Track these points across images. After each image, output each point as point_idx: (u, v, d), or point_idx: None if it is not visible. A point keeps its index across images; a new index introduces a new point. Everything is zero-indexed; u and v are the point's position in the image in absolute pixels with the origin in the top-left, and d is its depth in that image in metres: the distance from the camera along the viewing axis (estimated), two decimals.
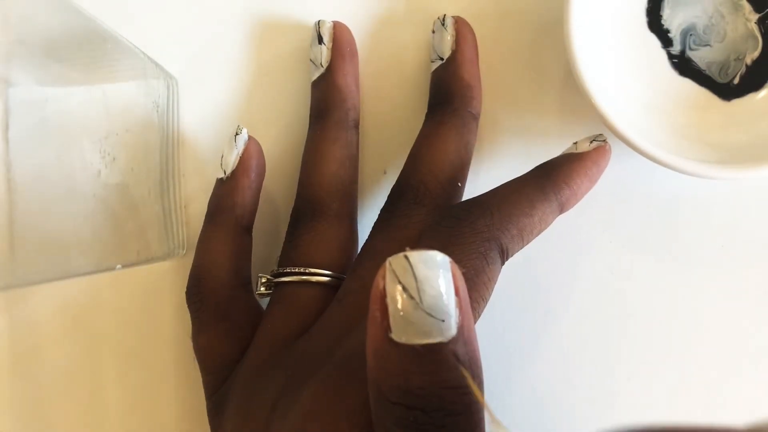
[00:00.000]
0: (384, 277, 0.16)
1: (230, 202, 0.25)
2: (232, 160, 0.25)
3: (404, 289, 0.15)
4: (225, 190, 0.25)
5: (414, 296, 0.15)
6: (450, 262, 0.16)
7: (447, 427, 0.16)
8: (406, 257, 0.16)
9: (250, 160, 0.25)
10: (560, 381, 0.28)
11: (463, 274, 0.20)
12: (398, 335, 0.16)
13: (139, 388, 0.29)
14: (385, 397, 0.16)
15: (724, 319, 0.27)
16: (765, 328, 0.27)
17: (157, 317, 0.29)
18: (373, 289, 0.16)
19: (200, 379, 0.27)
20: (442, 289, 0.16)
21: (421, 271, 0.15)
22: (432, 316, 0.15)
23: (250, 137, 0.25)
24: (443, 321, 0.16)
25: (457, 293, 0.16)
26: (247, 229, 0.26)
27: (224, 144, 0.26)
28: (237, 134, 0.25)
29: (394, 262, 0.16)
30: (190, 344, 0.28)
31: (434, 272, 0.16)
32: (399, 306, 0.15)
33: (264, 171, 0.26)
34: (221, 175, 0.25)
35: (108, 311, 0.29)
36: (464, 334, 0.16)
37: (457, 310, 0.16)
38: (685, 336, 0.27)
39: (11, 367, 0.29)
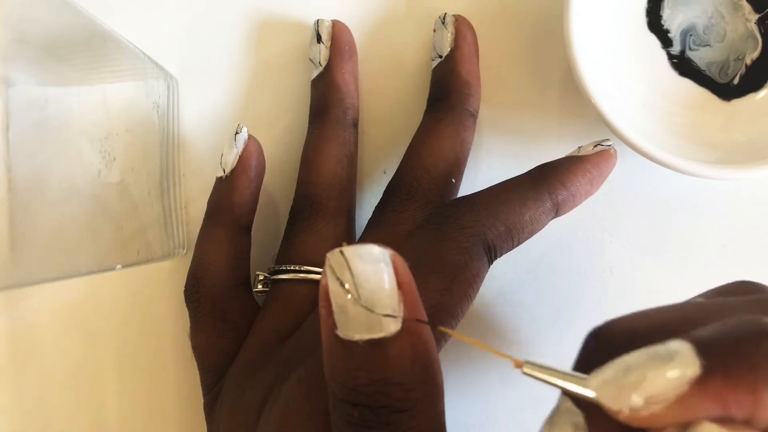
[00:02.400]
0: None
1: (229, 202, 0.25)
2: (231, 159, 0.25)
3: (342, 284, 0.15)
4: (224, 190, 0.25)
5: (351, 292, 0.15)
6: (391, 254, 0.15)
7: (393, 424, 0.15)
8: (341, 252, 0.15)
9: (250, 159, 0.25)
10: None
11: (446, 270, 0.20)
12: (342, 332, 0.15)
13: (139, 388, 0.29)
14: (335, 395, 0.16)
15: None
16: None
17: (157, 317, 0.29)
18: (320, 286, 0.16)
19: (199, 378, 0.27)
20: (381, 284, 0.15)
21: (357, 265, 0.15)
22: (371, 311, 0.15)
23: (250, 136, 0.25)
24: (385, 316, 0.15)
25: (400, 287, 0.15)
26: (246, 229, 0.26)
27: (224, 143, 0.26)
28: (237, 133, 0.25)
29: (332, 258, 0.15)
30: (189, 344, 0.28)
31: (371, 266, 0.15)
32: (339, 302, 0.15)
33: (264, 170, 0.26)
34: (221, 174, 0.25)
35: (108, 311, 0.29)
36: (411, 329, 0.15)
37: (401, 305, 0.15)
38: None
39: (11, 367, 0.29)
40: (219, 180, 0.26)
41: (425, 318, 0.16)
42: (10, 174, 0.22)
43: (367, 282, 0.15)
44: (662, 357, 0.12)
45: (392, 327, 0.15)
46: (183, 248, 0.29)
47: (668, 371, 0.12)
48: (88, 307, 0.29)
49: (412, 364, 0.16)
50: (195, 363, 0.25)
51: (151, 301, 0.29)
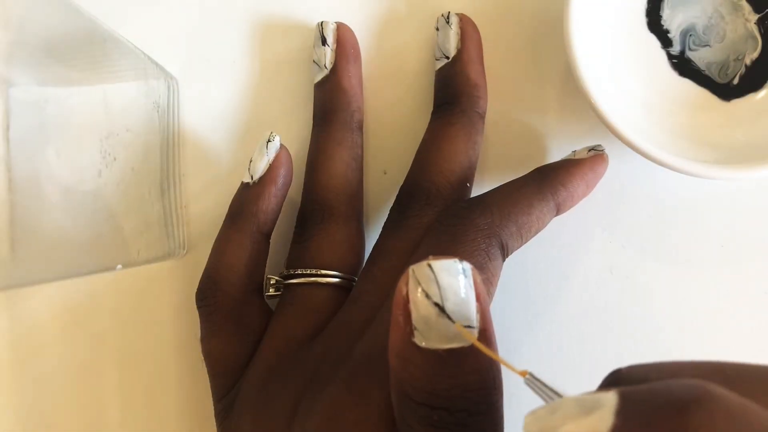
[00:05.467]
0: (407, 284, 0.16)
1: (254, 209, 0.25)
2: (261, 167, 0.25)
3: (428, 296, 0.16)
4: (250, 196, 0.25)
5: (438, 303, 0.16)
6: (471, 269, 0.16)
7: (470, 425, 0.16)
8: (429, 265, 0.16)
9: (280, 168, 0.25)
10: (559, 380, 0.28)
11: None
12: (422, 340, 0.16)
13: (139, 388, 0.29)
14: (410, 398, 0.16)
15: (724, 318, 0.27)
16: (764, 328, 0.27)
17: (157, 317, 0.29)
18: (396, 295, 0.16)
19: (200, 379, 0.27)
20: (464, 296, 0.16)
21: (444, 279, 0.16)
22: (455, 322, 0.16)
23: (281, 145, 0.25)
24: (465, 327, 0.16)
25: (478, 299, 0.16)
26: (267, 236, 0.26)
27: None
28: (269, 141, 0.25)
29: (418, 270, 0.16)
30: (190, 344, 0.28)
31: (457, 280, 0.16)
32: (423, 313, 0.16)
33: (291, 180, 0.26)
34: (247, 179, 0.25)
35: (108, 311, 0.29)
36: (485, 338, 0.16)
37: (478, 315, 0.16)
38: (684, 335, 0.27)
39: (11, 367, 0.29)
40: (245, 185, 0.25)
41: (493, 327, 0.17)
42: (10, 174, 0.22)
43: (454, 295, 0.16)
44: (587, 407, 0.13)
45: (471, 337, 0.16)
46: (183, 248, 0.29)
47: (583, 423, 0.12)
48: (88, 307, 0.29)
49: (488, 371, 0.16)
50: (196, 364, 0.25)
51: (151, 301, 0.29)
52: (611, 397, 0.13)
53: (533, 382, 0.15)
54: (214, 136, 0.29)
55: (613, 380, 0.15)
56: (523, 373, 0.15)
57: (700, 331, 0.27)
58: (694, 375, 0.14)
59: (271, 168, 0.25)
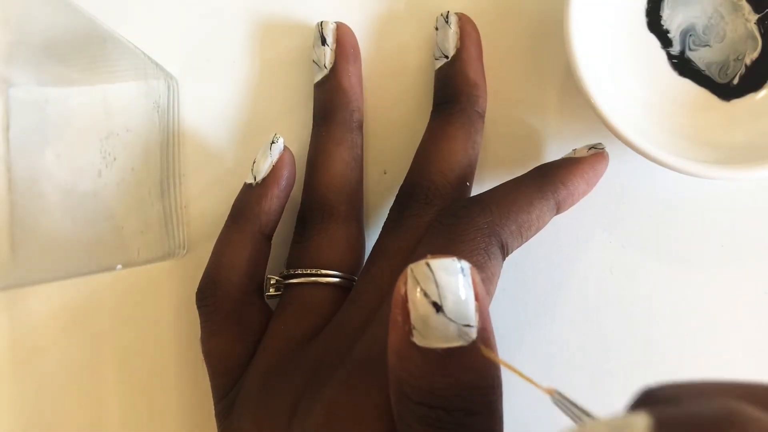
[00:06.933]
0: (405, 283, 0.16)
1: (257, 210, 0.25)
2: (264, 168, 0.25)
3: (426, 295, 0.16)
4: (253, 197, 0.25)
5: (436, 302, 0.16)
6: (470, 268, 0.16)
7: (468, 425, 0.16)
8: (427, 264, 0.16)
9: (283, 170, 0.25)
10: (559, 381, 0.28)
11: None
12: (420, 339, 0.16)
13: (139, 389, 0.29)
14: (408, 397, 0.16)
15: (724, 318, 0.27)
16: (765, 328, 0.27)
17: (157, 317, 0.29)
18: (395, 294, 0.16)
19: (200, 379, 0.27)
20: (463, 295, 0.16)
21: (442, 277, 0.16)
22: (453, 321, 0.16)
23: (285, 147, 0.25)
24: (464, 326, 0.16)
25: (477, 298, 0.16)
26: (268, 237, 0.26)
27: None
28: (273, 142, 0.25)
29: (416, 269, 0.16)
30: (190, 344, 0.28)
31: (455, 278, 0.16)
32: (421, 312, 0.16)
33: (293, 182, 0.26)
34: (251, 180, 0.25)
35: (108, 311, 0.29)
36: (484, 337, 0.16)
37: (477, 314, 0.16)
38: (684, 336, 0.27)
39: (11, 367, 0.29)
40: (248, 186, 0.25)
41: (492, 326, 0.17)
42: (10, 174, 0.22)
43: (452, 294, 0.16)
44: (619, 430, 0.12)
45: (469, 336, 0.16)
46: (183, 248, 0.29)
47: None
48: (88, 307, 0.29)
49: (487, 370, 0.16)
50: (196, 364, 0.25)
51: (151, 301, 0.29)
52: (644, 421, 0.12)
53: (561, 401, 0.15)
54: (214, 136, 0.29)
55: (643, 399, 0.15)
56: (550, 392, 0.15)
57: (700, 331, 0.27)
58: (727, 395, 0.14)
59: (275, 169, 0.25)
